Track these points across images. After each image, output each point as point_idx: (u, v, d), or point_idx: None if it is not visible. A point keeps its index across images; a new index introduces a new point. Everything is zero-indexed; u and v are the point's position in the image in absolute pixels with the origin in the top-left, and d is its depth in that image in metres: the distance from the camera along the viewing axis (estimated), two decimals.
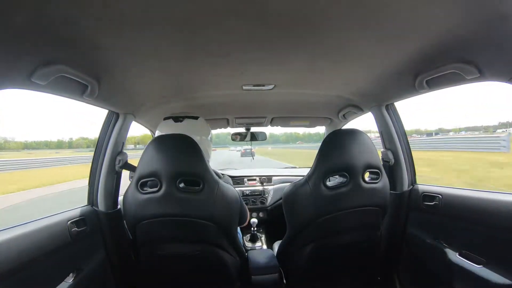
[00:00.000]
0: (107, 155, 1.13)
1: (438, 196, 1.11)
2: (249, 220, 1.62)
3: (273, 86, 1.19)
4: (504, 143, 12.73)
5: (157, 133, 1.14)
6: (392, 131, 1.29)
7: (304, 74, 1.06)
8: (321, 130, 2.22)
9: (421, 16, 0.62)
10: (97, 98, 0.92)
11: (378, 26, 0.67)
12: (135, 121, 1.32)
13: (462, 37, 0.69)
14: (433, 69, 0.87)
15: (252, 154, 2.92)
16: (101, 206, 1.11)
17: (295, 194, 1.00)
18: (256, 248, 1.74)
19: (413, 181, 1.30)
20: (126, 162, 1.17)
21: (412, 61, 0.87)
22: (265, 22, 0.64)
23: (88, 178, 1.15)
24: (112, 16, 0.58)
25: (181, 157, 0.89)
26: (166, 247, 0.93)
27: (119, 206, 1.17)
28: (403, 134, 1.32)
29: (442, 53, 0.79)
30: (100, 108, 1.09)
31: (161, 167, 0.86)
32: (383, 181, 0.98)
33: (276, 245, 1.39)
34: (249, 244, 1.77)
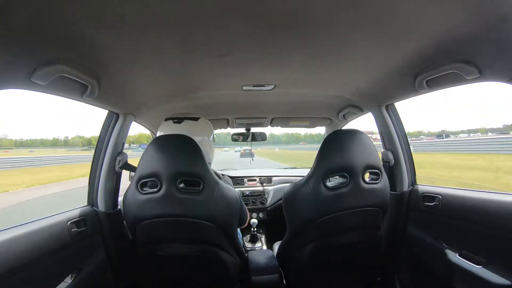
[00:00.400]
0: (107, 155, 1.13)
1: (438, 197, 1.11)
2: (249, 221, 1.62)
3: (273, 86, 1.19)
4: None
5: (159, 134, 1.14)
6: (392, 132, 1.29)
7: (304, 74, 1.06)
8: (322, 130, 2.22)
9: (421, 16, 0.62)
10: (97, 99, 0.92)
11: (378, 26, 0.67)
12: (135, 121, 1.32)
13: (462, 37, 0.69)
14: (433, 69, 0.87)
15: (252, 155, 2.93)
16: (101, 206, 1.11)
17: (295, 195, 1.00)
18: (256, 248, 1.74)
19: (413, 182, 1.30)
20: (126, 163, 1.17)
21: (412, 61, 0.87)
22: (265, 22, 0.64)
23: (88, 180, 1.16)
24: (112, 16, 0.58)
25: (181, 157, 0.89)
26: (166, 248, 0.93)
27: (119, 207, 1.17)
28: (403, 135, 1.32)
29: (442, 53, 0.79)
30: (98, 108, 1.08)
31: (161, 168, 0.86)
32: (383, 182, 0.98)
33: (276, 246, 1.39)
34: (249, 245, 1.77)
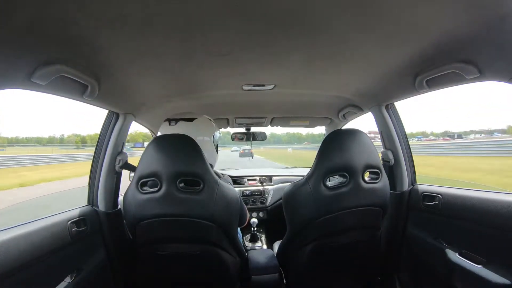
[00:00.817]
0: (107, 155, 1.13)
1: (438, 196, 1.11)
2: (249, 220, 1.61)
3: (273, 86, 1.19)
4: None
5: (158, 135, 1.14)
6: (392, 131, 1.29)
7: (304, 74, 1.06)
8: (324, 130, 2.22)
9: (421, 16, 0.62)
10: (97, 98, 0.92)
11: (378, 26, 0.67)
12: (135, 121, 1.32)
13: (462, 37, 0.69)
14: (433, 69, 0.87)
15: (251, 155, 2.94)
16: (101, 206, 1.11)
17: (295, 194, 1.00)
18: (256, 248, 1.74)
19: (413, 181, 1.30)
20: (126, 162, 1.17)
21: (412, 61, 0.87)
22: (265, 22, 0.64)
23: (88, 178, 1.16)
24: (112, 16, 0.58)
25: (181, 157, 0.89)
26: (166, 247, 0.93)
27: (119, 206, 1.17)
28: (403, 134, 1.32)
29: (442, 53, 0.79)
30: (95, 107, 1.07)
31: (161, 167, 0.86)
32: (383, 181, 0.98)
33: (276, 245, 1.39)
34: (249, 244, 1.77)
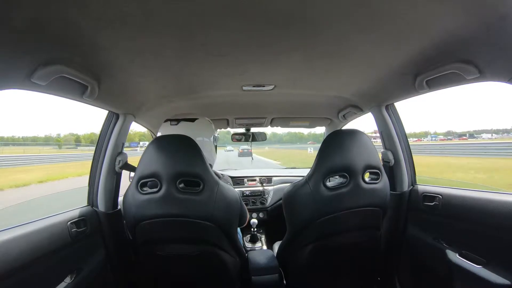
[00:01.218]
0: (107, 155, 1.13)
1: (438, 197, 1.11)
2: (249, 221, 1.61)
3: (273, 86, 1.19)
4: None
5: (159, 135, 1.14)
6: (392, 132, 1.29)
7: (304, 74, 1.06)
8: (324, 130, 2.22)
9: (421, 16, 0.62)
10: (97, 99, 0.92)
11: (378, 27, 0.67)
12: (135, 121, 1.32)
13: (462, 37, 0.69)
14: (433, 69, 0.87)
15: (250, 154, 2.95)
16: (101, 206, 1.11)
17: (295, 195, 1.00)
18: (256, 248, 1.74)
19: (413, 182, 1.30)
20: (126, 163, 1.17)
21: (412, 61, 0.87)
22: (265, 23, 0.64)
23: (88, 178, 1.16)
24: (112, 16, 0.58)
25: (181, 157, 0.89)
26: (166, 248, 0.93)
27: (119, 207, 1.17)
28: (403, 135, 1.32)
29: (442, 53, 0.79)
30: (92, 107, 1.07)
31: (161, 168, 0.86)
32: (383, 182, 0.98)
33: (276, 246, 1.39)
34: (249, 245, 1.77)
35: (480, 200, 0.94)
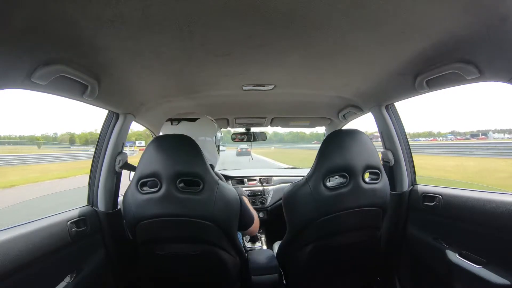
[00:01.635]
0: (107, 155, 1.13)
1: (438, 197, 1.11)
2: (260, 233, 1.49)
3: (273, 86, 1.19)
4: None
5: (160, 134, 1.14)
6: (392, 132, 1.29)
7: (304, 74, 1.06)
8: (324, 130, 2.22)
9: (421, 16, 0.62)
10: (97, 98, 0.92)
11: (378, 27, 0.67)
12: (135, 121, 1.32)
13: (462, 37, 0.69)
14: (433, 69, 0.87)
15: (249, 154, 2.93)
16: (101, 206, 1.11)
17: (295, 195, 1.00)
18: (256, 248, 1.74)
19: (413, 182, 1.30)
20: (126, 162, 1.17)
21: (412, 61, 0.87)
22: (265, 22, 0.64)
23: (88, 178, 1.16)
24: (112, 16, 0.58)
25: (181, 157, 0.89)
26: (166, 247, 0.93)
27: (119, 206, 1.17)
28: (403, 135, 1.32)
29: (442, 53, 0.79)
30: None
31: (161, 167, 0.86)
32: (383, 182, 0.98)
33: (276, 246, 1.39)
34: (249, 245, 1.77)
35: (480, 200, 0.94)
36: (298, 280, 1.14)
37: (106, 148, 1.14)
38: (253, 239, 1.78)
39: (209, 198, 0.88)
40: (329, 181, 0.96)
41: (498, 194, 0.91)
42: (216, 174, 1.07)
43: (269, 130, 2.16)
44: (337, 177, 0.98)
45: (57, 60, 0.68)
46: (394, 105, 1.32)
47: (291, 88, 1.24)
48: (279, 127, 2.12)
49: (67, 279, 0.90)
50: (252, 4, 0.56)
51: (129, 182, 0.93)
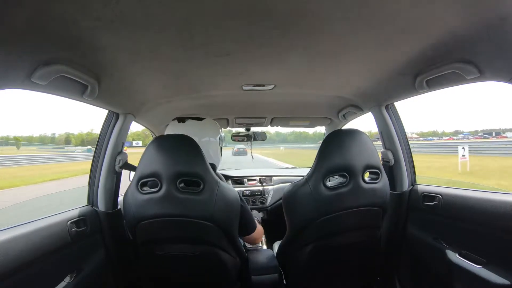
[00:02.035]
0: (107, 155, 1.13)
1: (438, 196, 1.11)
2: (263, 236, 1.42)
3: (273, 86, 1.19)
4: None
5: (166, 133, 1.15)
6: (392, 131, 1.29)
7: (304, 74, 1.06)
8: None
9: (421, 16, 0.62)
10: (97, 98, 0.92)
11: (378, 26, 0.67)
12: (135, 121, 1.32)
13: (462, 37, 0.69)
14: (433, 69, 0.87)
15: (246, 153, 2.91)
16: (101, 206, 1.11)
17: (295, 194, 1.00)
18: (256, 248, 1.74)
19: (413, 181, 1.30)
20: (126, 162, 1.17)
21: (412, 61, 0.87)
22: (265, 22, 0.64)
23: (88, 178, 1.16)
24: (112, 16, 0.58)
25: (181, 157, 0.89)
26: (166, 248, 0.93)
27: (119, 206, 1.17)
28: (403, 134, 1.32)
29: (442, 53, 0.79)
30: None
31: (161, 168, 0.86)
32: (383, 181, 0.98)
33: (276, 245, 1.39)
34: (249, 245, 1.77)
35: (480, 200, 0.94)
36: (298, 280, 1.14)
37: (106, 148, 1.14)
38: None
39: (210, 198, 0.88)
40: (329, 181, 0.96)
41: (498, 194, 0.91)
42: (216, 174, 1.07)
43: (271, 130, 2.15)
44: (337, 177, 0.98)
45: (57, 60, 0.68)
46: (394, 105, 1.32)
47: (291, 88, 1.24)
48: (280, 128, 2.11)
49: (67, 279, 0.90)
50: (252, 4, 0.56)
51: (129, 182, 0.94)
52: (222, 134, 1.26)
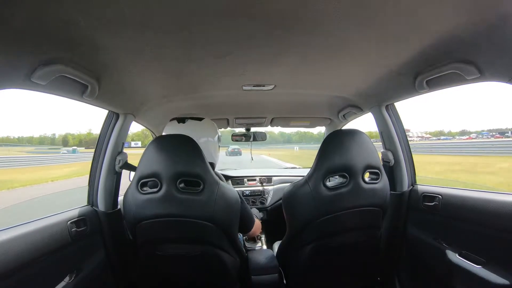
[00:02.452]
0: (107, 155, 1.13)
1: (438, 197, 1.11)
2: (261, 233, 1.49)
3: (273, 86, 1.19)
4: None
5: (164, 134, 1.16)
6: (392, 132, 1.29)
7: (304, 74, 1.06)
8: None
9: (421, 16, 0.62)
10: (97, 98, 0.92)
11: (378, 27, 0.67)
12: (135, 121, 1.32)
13: (462, 37, 0.69)
14: (433, 69, 0.87)
15: (240, 153, 2.89)
16: (101, 206, 1.11)
17: (295, 195, 1.00)
18: (256, 248, 1.74)
19: (413, 182, 1.30)
20: (126, 162, 1.17)
21: (412, 61, 0.87)
22: (265, 22, 0.64)
23: (88, 178, 1.15)
24: (112, 16, 0.58)
25: (181, 157, 0.89)
26: (166, 248, 0.93)
27: (119, 206, 1.17)
28: (403, 135, 1.32)
29: (442, 53, 0.79)
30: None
31: (161, 168, 0.86)
32: (383, 182, 0.98)
33: (276, 245, 1.39)
34: (249, 245, 1.77)
35: (480, 200, 0.94)
36: (298, 280, 1.14)
37: (106, 148, 1.14)
38: (253, 239, 1.78)
39: (210, 198, 0.88)
40: (329, 181, 0.96)
41: (498, 194, 0.91)
42: (216, 174, 1.07)
43: (275, 130, 2.14)
44: (337, 177, 0.98)
45: (57, 60, 0.68)
46: (394, 105, 1.32)
47: (291, 88, 1.24)
48: (285, 128, 2.10)
49: (67, 279, 0.90)
50: (252, 4, 0.56)
51: (129, 182, 0.94)
52: (219, 134, 1.29)
